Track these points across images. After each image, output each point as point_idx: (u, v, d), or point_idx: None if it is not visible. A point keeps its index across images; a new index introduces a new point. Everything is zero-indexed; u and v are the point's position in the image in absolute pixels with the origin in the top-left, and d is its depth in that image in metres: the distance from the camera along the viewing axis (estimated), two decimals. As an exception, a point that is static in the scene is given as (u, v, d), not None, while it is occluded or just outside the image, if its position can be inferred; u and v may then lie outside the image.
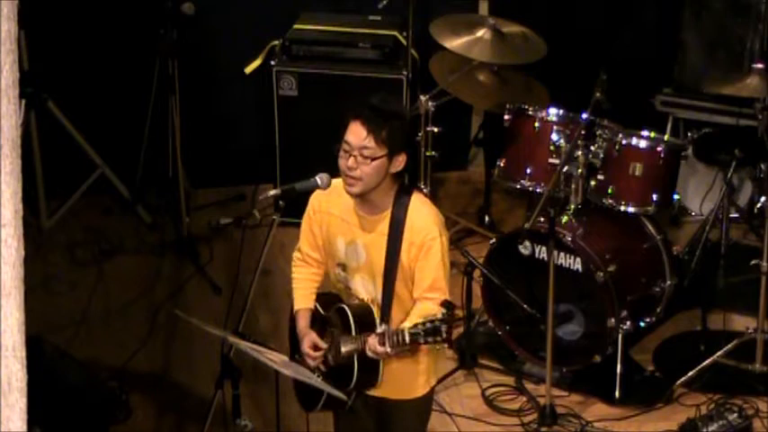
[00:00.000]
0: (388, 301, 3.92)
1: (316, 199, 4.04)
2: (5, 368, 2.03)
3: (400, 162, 3.85)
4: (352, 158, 3.80)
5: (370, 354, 3.82)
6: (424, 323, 3.67)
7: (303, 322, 4.09)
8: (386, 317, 3.93)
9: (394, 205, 3.89)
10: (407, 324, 3.78)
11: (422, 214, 3.89)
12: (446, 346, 3.70)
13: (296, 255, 4.18)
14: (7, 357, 2.03)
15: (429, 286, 3.87)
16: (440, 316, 3.66)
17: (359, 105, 3.85)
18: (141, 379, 5.60)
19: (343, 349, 3.90)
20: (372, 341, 3.80)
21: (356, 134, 3.80)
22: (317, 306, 4.11)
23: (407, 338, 3.69)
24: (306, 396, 4.16)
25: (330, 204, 4.00)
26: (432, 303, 3.83)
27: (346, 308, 3.96)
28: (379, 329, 3.83)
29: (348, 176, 3.83)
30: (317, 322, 4.09)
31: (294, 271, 4.18)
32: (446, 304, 3.69)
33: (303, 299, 4.14)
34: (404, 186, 3.94)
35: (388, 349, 3.76)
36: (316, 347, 4.02)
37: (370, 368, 3.93)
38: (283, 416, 4.30)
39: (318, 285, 4.17)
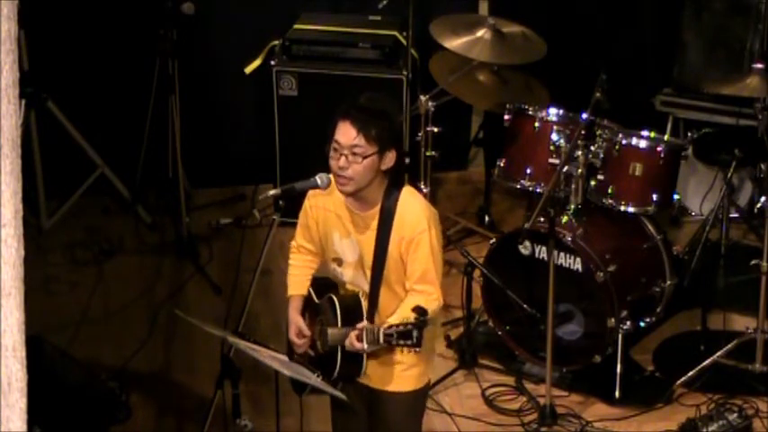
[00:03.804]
0: (375, 294, 3.97)
1: (312, 195, 4.06)
2: (5, 368, 2.03)
3: (390, 158, 3.87)
4: (343, 158, 3.82)
5: (348, 348, 3.88)
6: (398, 326, 3.75)
7: (293, 308, 4.14)
8: (374, 309, 3.98)
9: (384, 200, 3.92)
10: (393, 319, 3.83)
11: (411, 207, 3.92)
12: (416, 349, 3.79)
13: (292, 243, 4.23)
14: (7, 357, 2.03)
15: (419, 278, 3.92)
16: (413, 320, 3.72)
17: (346, 105, 3.86)
18: (141, 379, 5.60)
19: (329, 340, 3.94)
20: (352, 336, 3.85)
21: (346, 134, 3.82)
22: (312, 292, 4.15)
23: (381, 338, 3.77)
24: (295, 380, 4.17)
25: (326, 200, 4.03)
26: (421, 296, 3.89)
27: (335, 299, 4.01)
28: (360, 325, 3.87)
29: (340, 176, 3.85)
30: (310, 308, 4.12)
31: (290, 257, 4.23)
32: (419, 310, 3.74)
33: (296, 285, 4.19)
34: (394, 181, 3.95)
35: (365, 346, 3.82)
36: (301, 334, 4.06)
37: (354, 360, 3.99)
38: (283, 416, 4.30)
39: (313, 273, 4.20)
